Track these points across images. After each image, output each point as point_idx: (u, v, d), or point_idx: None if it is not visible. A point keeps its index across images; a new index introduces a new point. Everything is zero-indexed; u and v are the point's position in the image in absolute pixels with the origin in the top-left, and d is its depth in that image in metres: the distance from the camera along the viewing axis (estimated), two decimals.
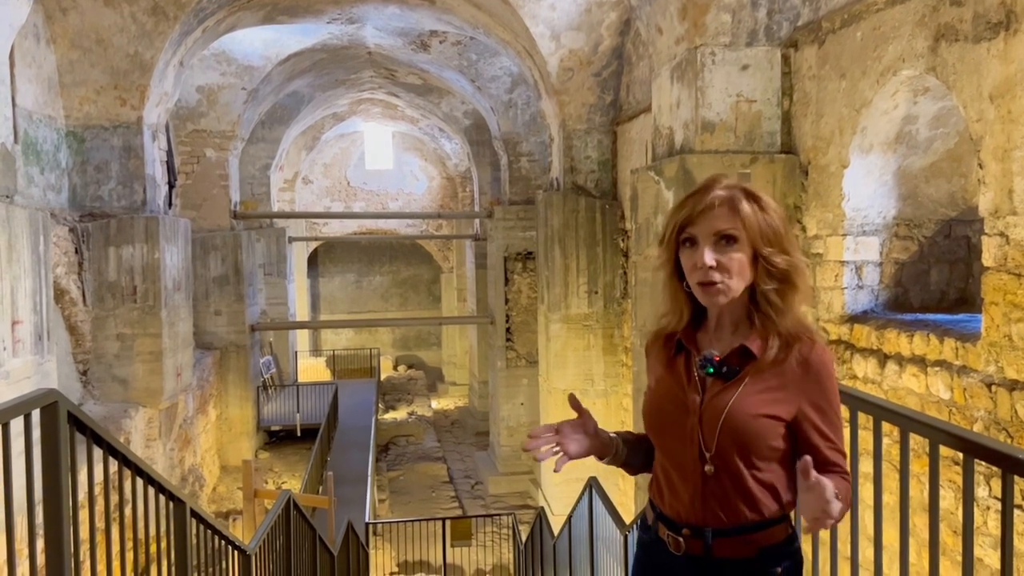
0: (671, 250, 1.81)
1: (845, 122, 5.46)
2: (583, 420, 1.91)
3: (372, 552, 11.13)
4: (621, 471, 2.04)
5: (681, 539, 1.81)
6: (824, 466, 1.72)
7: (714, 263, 1.71)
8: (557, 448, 1.87)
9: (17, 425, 2.03)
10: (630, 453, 1.97)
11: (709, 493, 1.77)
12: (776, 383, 1.74)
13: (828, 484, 1.57)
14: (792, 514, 1.84)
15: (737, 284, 1.73)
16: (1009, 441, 3.87)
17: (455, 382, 25.48)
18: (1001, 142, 4.05)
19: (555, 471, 1.88)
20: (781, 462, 1.77)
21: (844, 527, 2.09)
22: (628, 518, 5.10)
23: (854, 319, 5.42)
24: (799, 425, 1.75)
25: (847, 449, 2.06)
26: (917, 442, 1.96)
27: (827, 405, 1.76)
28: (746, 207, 1.74)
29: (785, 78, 6.20)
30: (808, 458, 1.60)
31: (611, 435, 1.96)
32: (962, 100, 4.36)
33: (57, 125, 9.88)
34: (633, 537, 4.41)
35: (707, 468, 1.76)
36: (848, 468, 1.81)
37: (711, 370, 1.76)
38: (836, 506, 1.57)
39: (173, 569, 3.55)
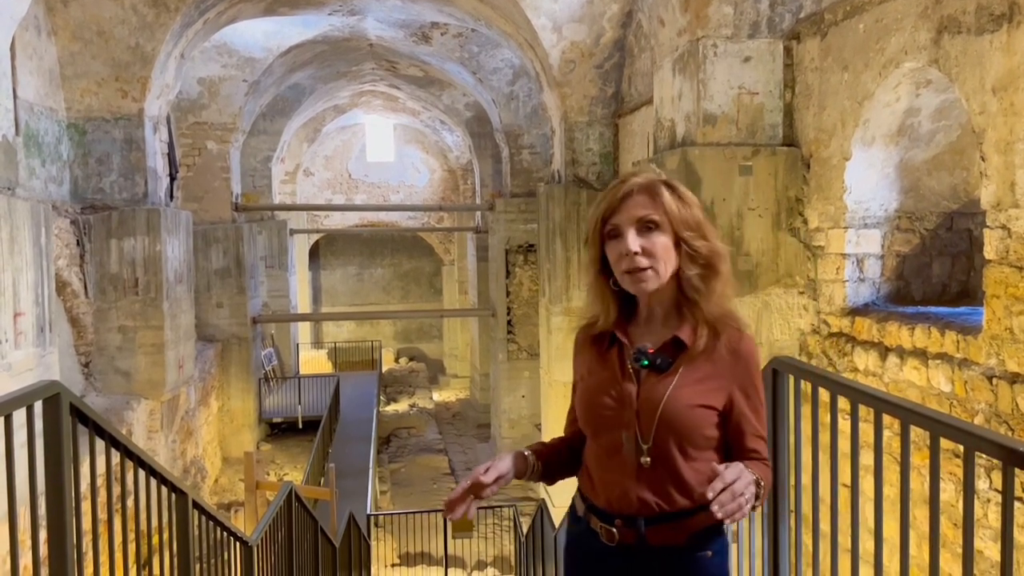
0: (596, 247, 1.83)
1: (847, 115, 5.44)
2: (496, 462, 1.89)
3: (374, 544, 11.17)
4: None
5: (614, 529, 1.83)
6: (746, 452, 1.80)
7: (639, 249, 1.74)
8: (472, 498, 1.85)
9: (19, 417, 2.03)
10: (545, 468, 1.98)
11: (645, 484, 1.79)
12: (708, 372, 1.78)
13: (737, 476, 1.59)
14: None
15: (664, 269, 1.76)
16: (1010, 434, 3.87)
17: (456, 374, 25.49)
18: (1003, 135, 4.04)
19: (469, 517, 1.88)
20: (716, 450, 1.81)
21: (844, 520, 2.10)
22: None
23: (855, 312, 5.42)
24: (729, 413, 1.80)
25: (848, 443, 2.06)
26: (918, 435, 1.96)
27: (754, 393, 1.82)
28: (665, 193, 1.78)
29: (787, 70, 6.19)
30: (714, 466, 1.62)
31: (525, 453, 1.96)
32: (964, 93, 4.35)
33: (58, 117, 9.87)
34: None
35: (644, 460, 1.78)
36: (768, 454, 1.86)
37: (645, 362, 1.79)
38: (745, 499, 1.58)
39: (175, 560, 3.56)
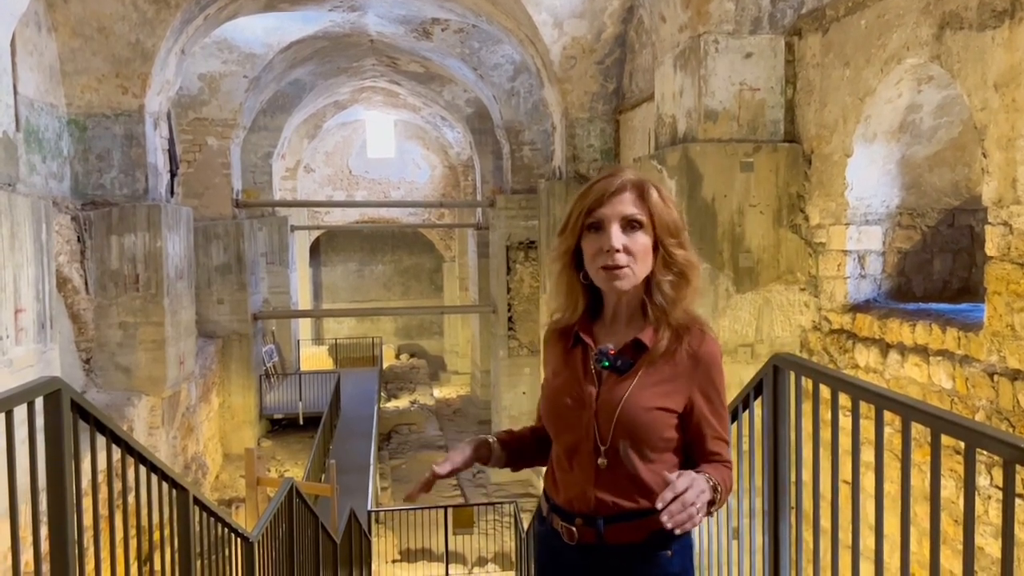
0: (574, 237, 1.81)
1: (849, 111, 5.43)
2: (452, 454, 1.93)
3: (374, 540, 11.18)
4: None
5: (574, 528, 1.83)
6: (707, 455, 1.80)
7: (621, 246, 1.72)
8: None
9: (20, 413, 2.03)
10: (509, 455, 2.01)
11: (602, 484, 1.80)
12: (668, 375, 1.78)
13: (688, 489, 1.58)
14: None
15: (640, 270, 1.75)
16: (1011, 430, 3.87)
17: (457, 371, 25.49)
18: (1005, 131, 4.03)
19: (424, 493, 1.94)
20: (675, 452, 1.81)
21: (845, 516, 2.10)
22: None
23: (856, 308, 5.41)
24: (689, 415, 1.79)
25: (849, 439, 2.06)
26: (919, 431, 1.96)
27: (715, 395, 1.81)
28: (653, 195, 1.77)
29: (789, 66, 6.18)
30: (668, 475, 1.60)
31: (489, 440, 1.99)
32: (966, 89, 4.34)
33: (59, 113, 9.86)
34: None
35: (600, 461, 1.79)
36: (730, 456, 1.84)
37: (606, 363, 1.79)
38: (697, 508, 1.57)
39: (176, 556, 3.56)
